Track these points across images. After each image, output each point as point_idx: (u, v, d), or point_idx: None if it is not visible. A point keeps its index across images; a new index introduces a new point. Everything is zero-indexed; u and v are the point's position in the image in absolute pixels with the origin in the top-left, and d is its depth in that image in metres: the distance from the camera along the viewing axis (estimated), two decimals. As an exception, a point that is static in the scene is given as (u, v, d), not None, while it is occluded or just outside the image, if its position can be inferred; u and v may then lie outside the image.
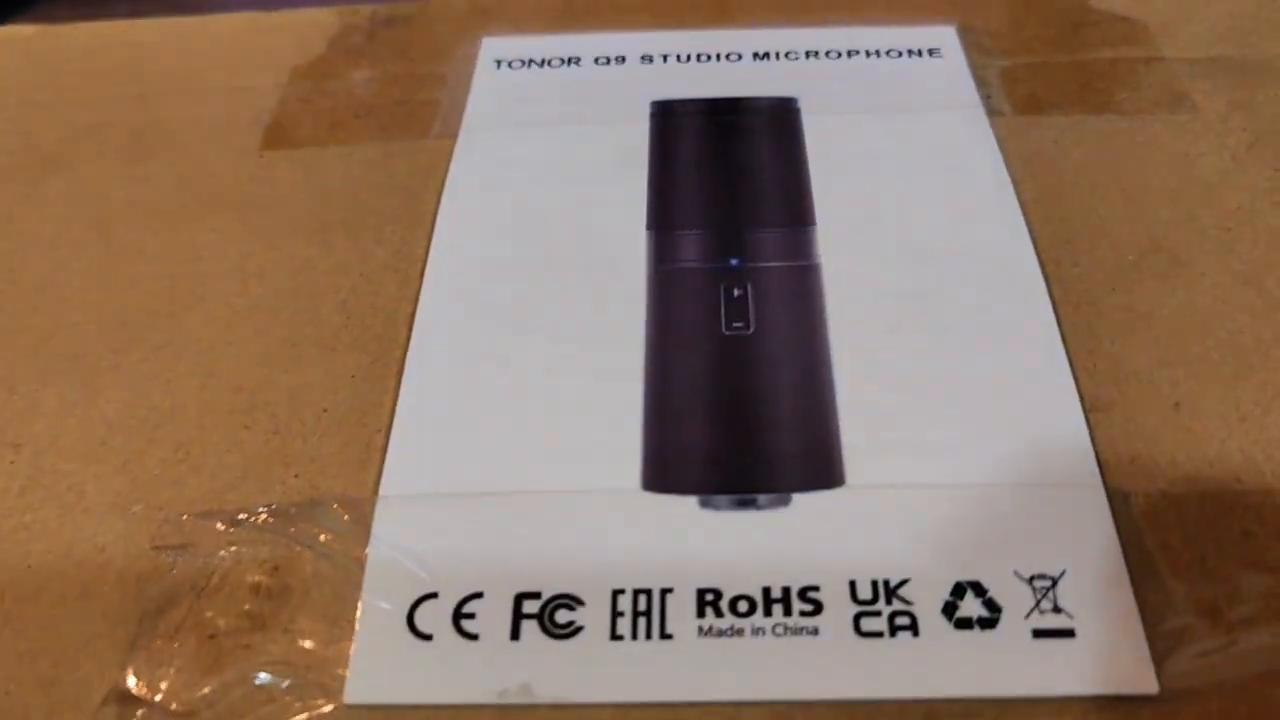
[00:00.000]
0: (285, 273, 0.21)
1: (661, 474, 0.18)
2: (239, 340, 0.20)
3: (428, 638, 0.16)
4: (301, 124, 0.25)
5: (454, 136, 0.24)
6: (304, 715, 0.15)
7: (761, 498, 0.17)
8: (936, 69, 0.25)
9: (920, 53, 0.25)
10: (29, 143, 0.25)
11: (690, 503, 0.17)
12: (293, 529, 0.17)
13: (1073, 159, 0.23)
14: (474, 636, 0.16)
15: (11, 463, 0.19)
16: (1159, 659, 0.15)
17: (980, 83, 0.24)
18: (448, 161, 0.23)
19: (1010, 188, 0.22)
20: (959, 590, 0.16)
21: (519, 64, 0.25)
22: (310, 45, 0.27)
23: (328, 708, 0.15)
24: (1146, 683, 0.15)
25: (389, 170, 0.23)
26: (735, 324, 0.19)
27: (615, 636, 0.16)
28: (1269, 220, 0.21)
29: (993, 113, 0.24)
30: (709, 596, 0.16)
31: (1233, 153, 0.23)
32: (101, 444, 0.19)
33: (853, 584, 0.16)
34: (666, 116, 0.23)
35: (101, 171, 0.24)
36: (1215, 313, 0.20)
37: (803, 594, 0.16)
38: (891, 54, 0.25)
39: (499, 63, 0.26)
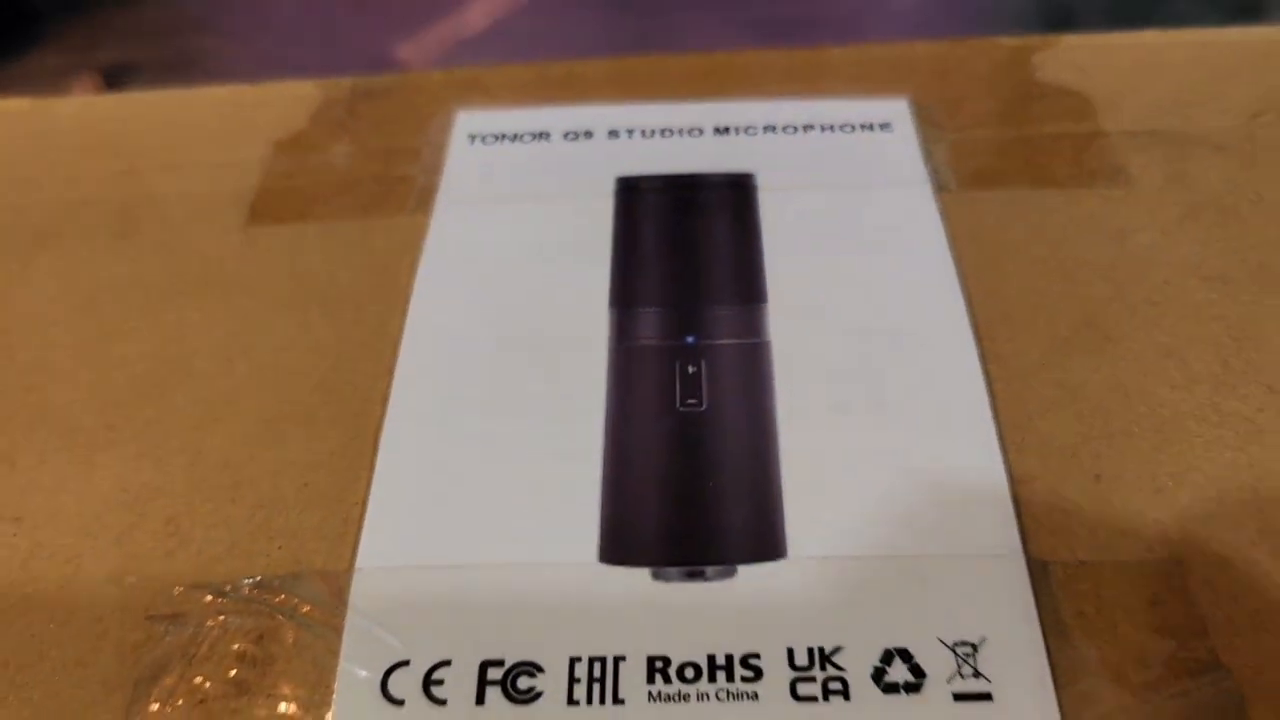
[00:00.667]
0: (268, 351, 0.22)
1: (616, 547, 0.19)
2: (224, 418, 0.21)
3: (400, 703, 0.17)
4: (284, 200, 0.26)
5: (428, 212, 0.25)
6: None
7: (709, 570, 0.19)
8: (887, 143, 0.26)
9: (873, 127, 0.27)
10: (19, 219, 0.26)
11: (643, 574, 0.19)
12: (276, 599, 0.19)
13: (1013, 234, 0.24)
14: (442, 702, 0.17)
15: (14, 535, 0.20)
16: (1068, 716, 0.17)
17: (929, 157, 0.26)
18: (422, 238, 0.24)
19: (952, 264, 0.23)
20: (887, 657, 0.18)
21: (492, 139, 0.27)
22: (293, 118, 0.28)
23: (304, 770, 0.17)
24: (1054, 741, 0.17)
25: (366, 247, 0.25)
26: (689, 400, 0.21)
27: (572, 702, 0.17)
28: (1193, 295, 0.23)
29: (940, 188, 0.25)
30: (658, 664, 0.18)
31: (1163, 227, 0.24)
32: (96, 519, 0.20)
33: (790, 651, 0.18)
34: (629, 193, 0.25)
35: (90, 249, 0.25)
36: (1138, 387, 0.21)
37: (744, 661, 0.18)
38: (845, 129, 0.27)
39: (472, 137, 0.27)
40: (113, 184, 0.27)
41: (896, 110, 0.27)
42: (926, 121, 0.27)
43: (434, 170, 0.26)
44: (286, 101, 0.29)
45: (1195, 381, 0.21)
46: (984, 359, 0.21)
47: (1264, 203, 0.25)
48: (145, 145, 0.28)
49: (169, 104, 0.29)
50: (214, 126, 0.28)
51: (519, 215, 0.25)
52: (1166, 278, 0.23)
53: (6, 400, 0.22)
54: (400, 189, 0.26)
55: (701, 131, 0.27)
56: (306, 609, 0.19)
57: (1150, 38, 0.29)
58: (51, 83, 0.47)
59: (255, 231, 0.25)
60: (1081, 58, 0.28)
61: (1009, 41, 0.29)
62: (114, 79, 0.46)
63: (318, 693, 0.18)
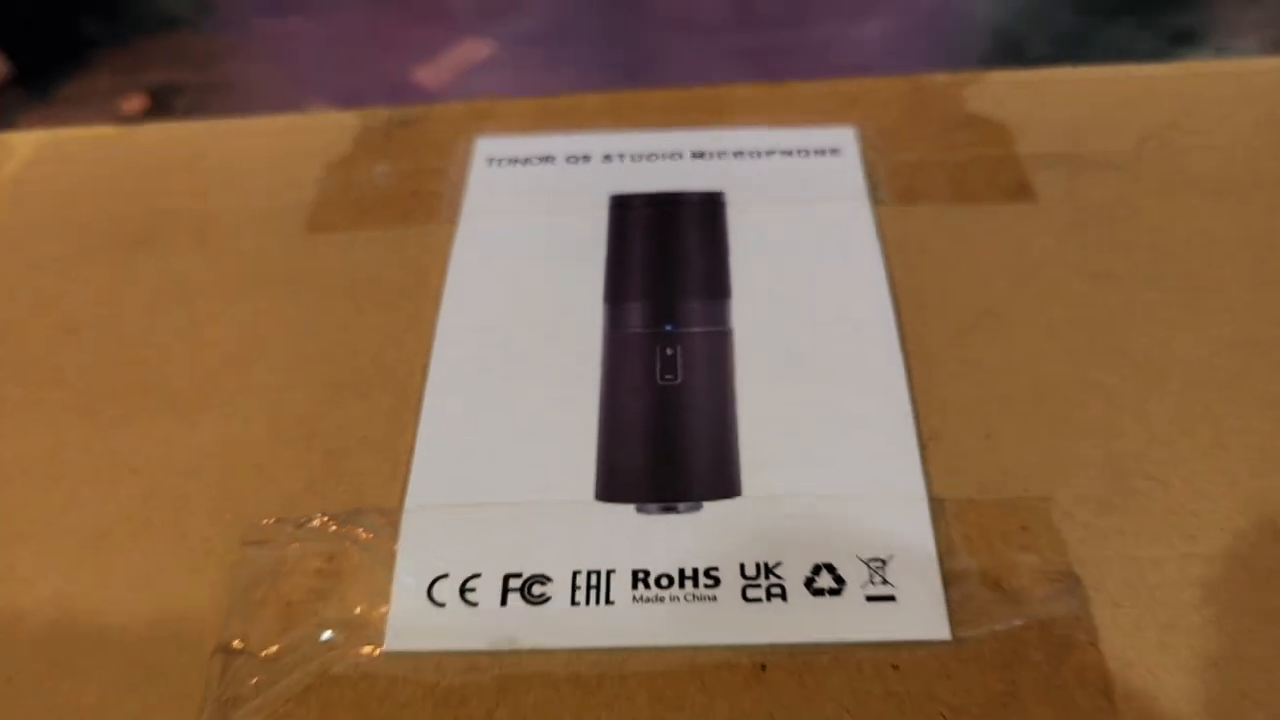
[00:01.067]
0: (329, 333, 0.28)
1: (609, 488, 0.24)
2: (297, 386, 0.27)
3: (442, 605, 0.23)
4: (336, 211, 0.31)
5: (455, 222, 0.30)
6: (355, 659, 0.22)
7: (681, 505, 0.24)
8: (836, 166, 0.31)
9: (824, 152, 0.32)
10: (120, 226, 0.32)
11: (629, 509, 0.24)
12: (343, 530, 0.24)
13: (934, 240, 0.29)
14: (474, 604, 0.23)
15: (134, 481, 0.25)
16: (953, 616, 0.22)
17: (869, 177, 0.31)
18: (450, 243, 0.30)
19: (882, 265, 0.28)
20: (816, 569, 0.23)
21: (506, 162, 0.32)
22: (339, 143, 0.33)
23: (374, 653, 0.22)
24: (942, 631, 0.22)
25: (405, 250, 0.30)
26: (666, 376, 0.26)
27: (574, 604, 0.23)
28: (1076, 289, 0.28)
29: (877, 203, 0.30)
30: (640, 575, 0.23)
31: (1058, 234, 0.29)
32: (199, 466, 0.25)
33: (742, 565, 0.23)
34: (620, 208, 0.30)
35: (179, 250, 0.31)
36: (1025, 363, 0.26)
37: (706, 573, 0.23)
38: (801, 153, 0.32)
39: (490, 160, 0.32)
40: (191, 198, 0.32)
41: (844, 137, 0.32)
42: (869, 146, 0.32)
43: (459, 187, 0.31)
44: (333, 129, 0.34)
45: (1071, 357, 0.26)
46: (903, 340, 0.27)
47: (1143, 213, 0.30)
48: (215, 165, 0.33)
49: (232, 131, 0.35)
50: (273, 150, 0.34)
51: (529, 225, 0.30)
52: (1056, 275, 0.28)
53: (121, 373, 0.27)
54: (431, 203, 0.31)
55: (680, 156, 0.32)
56: (367, 536, 0.24)
57: (1058, 73, 0.34)
58: (104, 101, 0.52)
59: (313, 238, 0.30)
60: (1001, 91, 0.34)
61: (941, 78, 0.34)
62: (160, 98, 0.52)
63: (378, 598, 0.23)
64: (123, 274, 0.30)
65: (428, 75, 0.53)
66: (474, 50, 0.55)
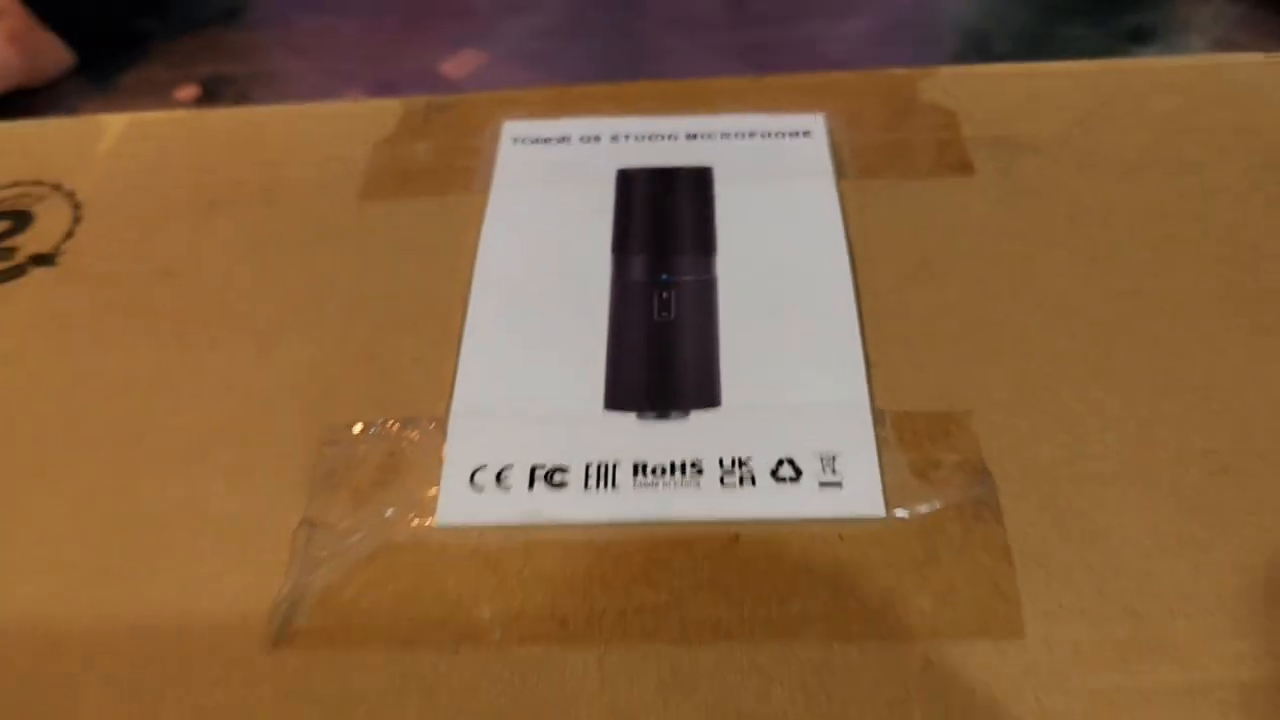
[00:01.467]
0: (380, 282, 0.34)
1: (615, 399, 0.30)
2: (360, 322, 0.32)
3: (481, 489, 0.29)
4: (384, 182, 0.37)
5: (486, 192, 0.36)
6: (412, 530, 0.28)
7: (672, 413, 0.30)
8: (807, 145, 0.37)
9: (798, 134, 0.38)
10: (198, 192, 0.37)
11: (631, 417, 0.30)
12: (401, 432, 0.30)
13: (886, 207, 0.35)
14: (507, 488, 0.29)
15: (228, 399, 0.31)
16: (888, 499, 0.28)
17: (835, 155, 0.37)
18: (483, 209, 0.36)
19: (842, 228, 0.34)
20: (780, 463, 0.29)
21: (529, 141, 0.38)
22: (385, 125, 0.39)
23: (429, 524, 0.28)
24: (879, 510, 0.28)
25: (445, 215, 0.36)
26: (662, 314, 0.32)
27: (586, 488, 0.28)
28: (1001, 246, 0.34)
29: (841, 177, 0.36)
30: (640, 467, 0.29)
31: (990, 203, 0.35)
32: (282, 385, 0.31)
33: (720, 459, 0.29)
34: (625, 181, 0.36)
35: (250, 213, 0.37)
36: (952, 304, 0.32)
37: (692, 465, 0.29)
38: (779, 135, 0.38)
39: (515, 140, 0.38)
40: (258, 170, 0.38)
41: (814, 122, 0.38)
42: (835, 130, 0.38)
43: (489, 163, 0.37)
44: (380, 113, 0.40)
45: (992, 301, 0.32)
46: (856, 286, 0.33)
47: (1061, 187, 0.36)
48: (277, 143, 0.39)
49: (290, 115, 0.40)
50: (327, 131, 0.39)
51: (549, 194, 0.36)
52: (984, 236, 0.34)
53: (210, 309, 0.33)
54: (465, 175, 0.37)
55: (676, 137, 0.38)
56: (421, 437, 0.30)
57: (998, 68, 0.40)
58: (160, 90, 0.58)
59: (365, 205, 0.36)
60: (950, 84, 0.40)
61: (899, 72, 0.40)
62: (210, 88, 0.58)
63: (429, 485, 0.29)
64: (203, 231, 0.36)
65: (451, 67, 0.58)
66: (493, 45, 0.61)
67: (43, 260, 0.35)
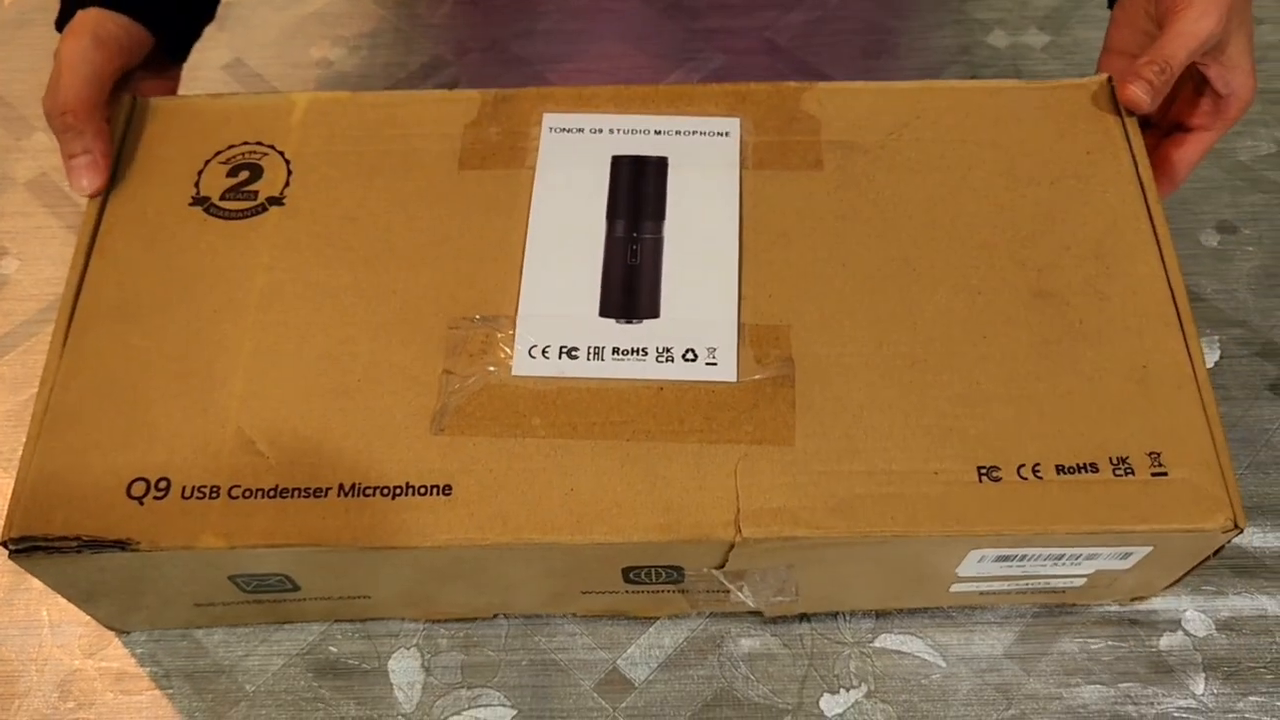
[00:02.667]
0: (470, 227, 0.59)
1: (605, 309, 0.57)
2: (452, 257, 0.58)
3: (534, 358, 0.56)
4: (471, 156, 0.62)
5: (535, 168, 0.61)
6: (500, 378, 0.55)
7: (635, 320, 0.57)
8: (726, 143, 0.62)
9: (722, 134, 0.62)
10: (361, 158, 0.62)
11: (612, 321, 0.57)
12: (490, 324, 0.57)
13: (766, 191, 0.60)
14: (549, 357, 0.56)
15: (393, 297, 0.58)
16: (740, 370, 0.55)
17: (741, 150, 0.61)
18: (533, 179, 0.61)
19: (738, 207, 0.59)
20: (686, 351, 0.56)
21: (561, 130, 0.62)
22: (469, 111, 0.63)
23: (506, 376, 0.55)
24: (733, 376, 0.55)
25: (509, 182, 0.60)
26: (632, 260, 0.58)
27: (588, 359, 0.55)
28: (830, 223, 0.59)
29: (744, 167, 0.61)
30: (615, 348, 0.56)
31: (826, 190, 0.60)
32: (425, 292, 0.58)
33: (657, 347, 0.56)
34: (616, 164, 0.61)
35: (396, 175, 0.61)
36: (796, 260, 0.58)
37: (642, 350, 0.56)
38: (710, 134, 0.62)
39: (552, 129, 0.62)
40: (396, 142, 0.62)
41: (732, 124, 0.62)
42: (746, 131, 0.62)
43: (535, 145, 0.62)
44: (465, 101, 0.63)
45: (819, 260, 0.58)
46: (741, 247, 0.58)
47: (879, 180, 0.60)
48: (409, 120, 0.63)
49: (414, 98, 0.64)
50: (432, 112, 0.63)
51: (570, 172, 0.61)
52: (821, 214, 0.59)
53: (374, 242, 0.59)
54: (520, 154, 0.62)
55: (648, 132, 0.62)
56: (501, 327, 0.57)
57: (857, 85, 0.63)
58: (299, 48, 0.79)
59: (463, 172, 0.61)
60: (823, 97, 0.63)
61: (792, 85, 0.64)
62: (342, 46, 0.79)
63: (504, 359, 0.56)
64: (369, 188, 0.61)
65: (508, 38, 0.81)
66: (540, 20, 0.83)
67: (275, 201, 0.61)
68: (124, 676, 0.60)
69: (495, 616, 0.62)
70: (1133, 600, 0.61)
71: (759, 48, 0.88)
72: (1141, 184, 0.59)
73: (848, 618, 0.62)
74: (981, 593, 0.59)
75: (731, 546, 0.51)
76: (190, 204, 0.60)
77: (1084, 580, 0.57)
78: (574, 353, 0.56)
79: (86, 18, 0.60)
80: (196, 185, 0.61)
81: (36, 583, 0.57)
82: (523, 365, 0.55)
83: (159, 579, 0.54)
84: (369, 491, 0.52)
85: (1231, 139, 0.79)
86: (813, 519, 0.51)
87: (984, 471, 0.52)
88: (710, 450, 0.53)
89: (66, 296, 0.57)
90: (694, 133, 0.62)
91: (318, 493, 0.52)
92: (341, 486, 0.52)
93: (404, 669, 0.61)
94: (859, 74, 0.84)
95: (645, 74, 0.84)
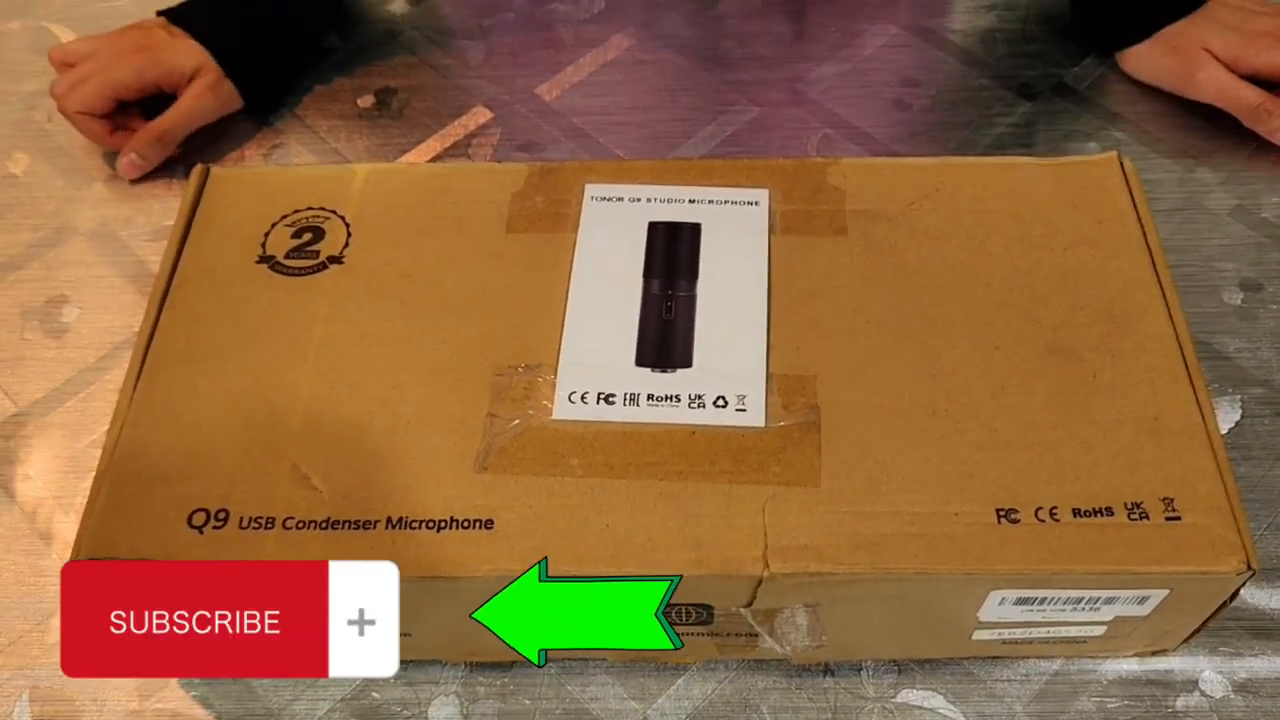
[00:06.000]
0: (516, 284, 0.63)
1: (641, 358, 0.60)
2: (510, 308, 0.62)
3: (574, 403, 0.59)
4: (518, 221, 0.66)
5: (576, 231, 0.65)
6: (541, 421, 0.58)
7: (669, 369, 0.60)
8: (755, 211, 0.66)
9: (752, 203, 0.66)
10: (415, 223, 0.67)
11: (648, 370, 0.60)
12: (533, 372, 0.60)
13: (794, 255, 0.64)
14: (588, 403, 0.59)
15: (443, 347, 0.61)
16: (768, 417, 0.58)
17: (770, 219, 0.66)
18: (574, 243, 0.65)
19: (766, 268, 0.63)
20: (717, 399, 0.59)
21: (602, 200, 0.67)
22: (517, 180, 0.68)
23: (548, 419, 0.59)
24: (761, 422, 0.58)
25: (554, 245, 0.65)
26: (667, 315, 0.62)
27: (625, 405, 0.59)
28: (855, 284, 0.63)
29: (771, 233, 0.65)
30: (649, 395, 0.59)
31: (850, 254, 0.64)
32: (472, 342, 0.62)
33: (690, 393, 0.59)
34: (652, 230, 0.65)
35: (446, 236, 0.66)
36: (822, 317, 0.61)
37: (675, 396, 0.59)
38: (741, 203, 0.66)
39: (594, 198, 0.67)
40: (449, 209, 0.67)
41: (762, 195, 0.67)
42: (774, 200, 0.67)
43: (578, 212, 0.66)
44: (512, 171, 0.69)
45: (843, 317, 0.61)
46: (769, 304, 0.62)
47: (896, 247, 0.64)
48: (458, 189, 0.68)
49: (465, 170, 0.70)
50: (482, 181, 0.68)
51: (611, 237, 0.65)
52: (846, 276, 0.63)
53: (428, 298, 0.63)
54: (564, 220, 0.66)
55: (683, 201, 0.67)
56: (543, 375, 0.60)
57: (878, 161, 0.68)
58: (346, 97, 0.86)
59: (510, 235, 0.66)
60: (847, 170, 0.68)
61: (817, 161, 0.68)
62: (381, 99, 0.86)
63: (545, 404, 0.59)
64: (423, 248, 0.66)
65: (544, 90, 0.87)
66: (575, 73, 0.89)
67: (335, 260, 0.66)
68: (179, 718, 0.63)
69: (530, 660, 0.64)
70: (1153, 654, 0.62)
71: (791, 100, 0.92)
72: (1150, 250, 0.63)
73: (870, 672, 0.64)
74: (1004, 641, 0.60)
75: (760, 582, 0.54)
76: (257, 261, 0.65)
77: (1104, 629, 0.58)
78: (611, 399, 0.59)
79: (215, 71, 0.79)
80: (263, 245, 0.66)
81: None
82: (563, 409, 0.59)
83: (213, 607, 0.57)
84: (415, 524, 0.55)
85: (1256, 195, 0.80)
86: (838, 555, 0.53)
87: (1003, 513, 0.54)
88: (739, 490, 0.56)
89: (139, 344, 0.61)
90: (726, 202, 0.66)
91: (367, 525, 0.55)
92: (389, 519, 0.55)
93: (444, 716, 0.63)
94: (889, 125, 0.87)
95: (679, 125, 0.89)
